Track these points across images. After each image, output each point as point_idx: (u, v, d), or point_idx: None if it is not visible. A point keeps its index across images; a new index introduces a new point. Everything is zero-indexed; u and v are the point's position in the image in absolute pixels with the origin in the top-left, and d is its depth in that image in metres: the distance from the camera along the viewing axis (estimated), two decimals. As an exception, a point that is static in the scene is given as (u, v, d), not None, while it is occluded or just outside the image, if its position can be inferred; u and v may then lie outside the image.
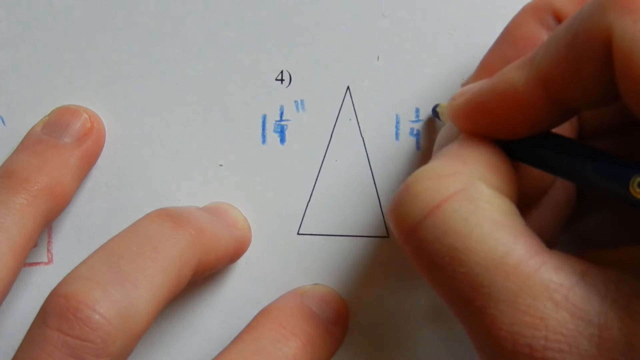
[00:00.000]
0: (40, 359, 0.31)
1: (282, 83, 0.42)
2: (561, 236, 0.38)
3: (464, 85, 0.37)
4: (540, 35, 0.35)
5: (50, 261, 0.42)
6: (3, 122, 0.42)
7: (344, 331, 0.40)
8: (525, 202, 0.34)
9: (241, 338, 0.38)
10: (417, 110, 0.42)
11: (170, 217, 0.36)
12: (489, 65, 0.36)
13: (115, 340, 0.32)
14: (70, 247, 0.42)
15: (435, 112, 0.40)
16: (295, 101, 0.42)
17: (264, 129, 0.42)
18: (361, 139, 0.42)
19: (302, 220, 0.42)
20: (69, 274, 0.33)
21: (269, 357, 0.36)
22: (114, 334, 0.32)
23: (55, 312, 0.32)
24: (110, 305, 0.32)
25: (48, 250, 0.42)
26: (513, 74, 0.31)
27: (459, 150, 0.33)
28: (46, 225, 0.39)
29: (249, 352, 0.37)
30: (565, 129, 0.35)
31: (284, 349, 0.37)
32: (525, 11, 0.36)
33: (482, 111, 0.32)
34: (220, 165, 0.42)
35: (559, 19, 0.35)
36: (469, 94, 0.33)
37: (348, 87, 0.42)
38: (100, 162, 0.42)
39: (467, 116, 0.33)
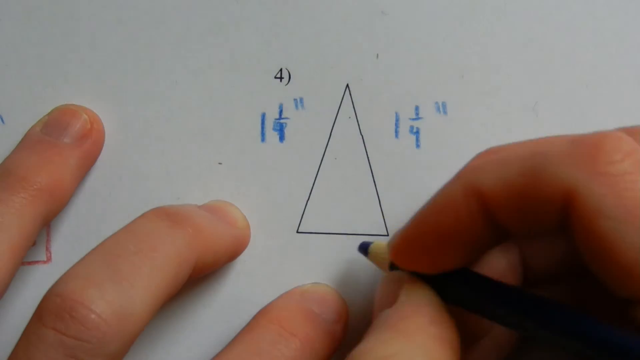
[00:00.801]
0: (36, 358, 0.31)
1: (281, 81, 0.42)
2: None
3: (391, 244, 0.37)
4: (466, 213, 0.33)
5: (49, 260, 0.42)
6: (2, 120, 0.42)
7: (344, 331, 0.40)
8: (467, 341, 0.35)
9: (240, 339, 0.38)
10: (417, 108, 0.42)
11: (167, 215, 0.36)
12: (410, 236, 0.35)
13: (111, 339, 0.32)
14: (69, 246, 0.42)
15: (364, 249, 0.39)
16: (295, 99, 0.42)
17: (263, 127, 0.42)
18: (360, 137, 0.42)
19: (302, 218, 0.42)
20: (65, 273, 0.33)
21: (268, 358, 0.36)
22: (110, 333, 0.32)
23: (51, 311, 0.32)
24: (107, 304, 0.32)
25: (47, 249, 0.42)
26: (452, 184, 0.31)
27: (399, 320, 0.32)
28: (45, 224, 0.39)
29: (248, 353, 0.37)
30: (510, 275, 0.36)
31: (283, 349, 0.37)
32: (454, 186, 0.33)
33: (421, 238, 0.32)
34: (220, 163, 0.42)
35: (482, 199, 0.33)
36: (407, 227, 0.33)
37: (347, 85, 0.42)
38: (99, 160, 0.42)
39: (407, 250, 0.33)
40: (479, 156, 0.34)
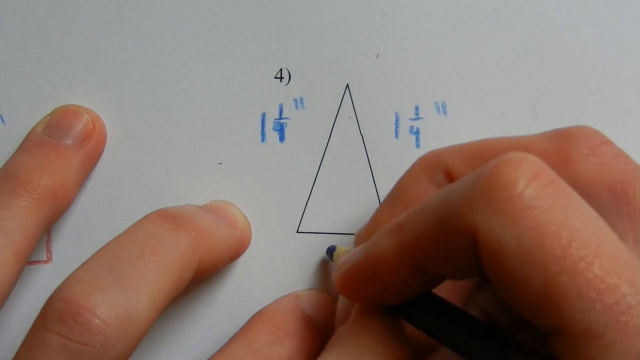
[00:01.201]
0: None
1: (281, 81, 0.42)
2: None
3: (358, 234, 0.38)
4: (431, 193, 0.35)
5: (49, 260, 0.42)
6: (2, 120, 0.42)
7: None
8: (424, 351, 0.35)
9: (236, 339, 0.38)
10: (417, 108, 0.42)
11: (170, 218, 0.36)
12: (379, 223, 0.37)
13: (114, 344, 0.32)
14: (69, 246, 0.42)
15: (330, 252, 0.40)
16: (295, 99, 0.42)
17: (263, 127, 0.42)
18: (360, 137, 0.42)
19: (302, 218, 0.42)
20: (69, 277, 0.33)
21: (263, 358, 0.36)
22: (113, 338, 0.32)
23: (55, 315, 0.32)
24: (110, 309, 0.32)
25: (47, 249, 0.42)
26: (383, 241, 0.31)
27: (347, 338, 0.33)
28: (48, 227, 0.39)
29: (244, 353, 0.37)
30: (457, 293, 0.36)
31: (279, 350, 0.37)
32: (416, 167, 0.36)
33: (360, 280, 0.33)
34: (220, 163, 0.42)
35: (449, 177, 0.35)
36: (348, 265, 0.33)
37: (347, 85, 0.42)
38: (100, 160, 0.42)
39: (347, 286, 0.33)
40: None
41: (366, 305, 0.34)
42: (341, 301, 0.38)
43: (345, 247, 0.40)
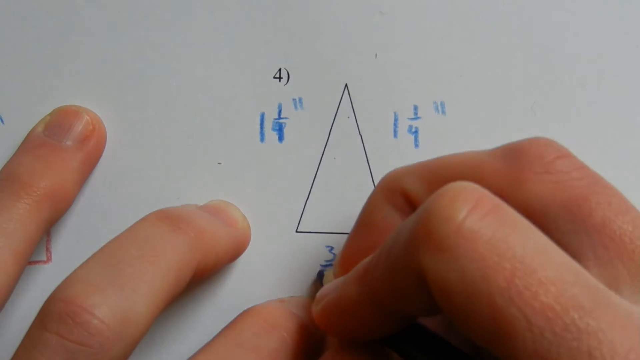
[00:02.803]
0: None
1: (280, 81, 0.42)
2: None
3: (335, 263, 0.38)
4: (394, 219, 0.35)
5: (49, 260, 0.42)
6: (2, 120, 0.42)
7: (324, 337, 0.40)
8: None
9: (223, 333, 0.38)
10: (416, 108, 0.42)
11: (169, 219, 0.36)
12: (348, 255, 0.37)
13: (113, 345, 0.32)
14: (69, 246, 0.42)
15: (320, 276, 0.41)
16: (294, 99, 0.42)
17: (262, 127, 0.42)
18: (359, 136, 0.42)
19: (301, 218, 0.42)
20: (67, 278, 0.33)
21: (250, 349, 0.36)
22: (112, 338, 0.32)
23: (54, 316, 0.32)
24: (109, 310, 0.32)
25: (47, 249, 0.42)
26: (351, 287, 0.32)
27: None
28: (48, 229, 0.39)
29: (231, 345, 0.37)
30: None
31: (266, 341, 0.37)
32: (376, 193, 0.36)
33: (334, 319, 0.33)
34: (219, 163, 0.42)
35: (408, 200, 0.35)
36: (324, 302, 0.34)
37: (346, 85, 0.42)
38: (99, 160, 0.42)
39: (324, 323, 0.34)
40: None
41: (345, 340, 0.34)
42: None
43: (331, 271, 0.40)
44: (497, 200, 0.28)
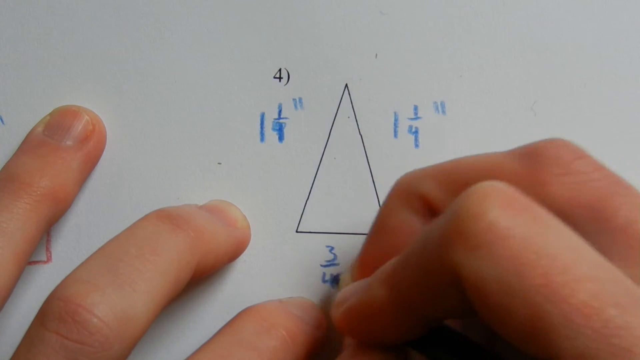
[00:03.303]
0: None
1: (280, 81, 0.42)
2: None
3: (352, 267, 0.38)
4: (412, 222, 0.35)
5: (49, 260, 0.42)
6: (2, 120, 0.42)
7: (324, 337, 0.40)
8: None
9: (222, 332, 0.38)
10: (416, 108, 0.42)
11: (169, 218, 0.36)
12: (366, 260, 0.37)
13: (112, 343, 0.32)
14: (69, 246, 0.42)
15: (335, 281, 0.41)
16: (294, 99, 0.42)
17: (262, 127, 0.42)
18: (359, 136, 0.42)
19: (301, 218, 0.42)
20: (67, 277, 0.34)
21: (249, 348, 0.36)
22: (111, 337, 0.32)
23: (53, 315, 0.32)
24: (109, 308, 0.32)
25: (47, 249, 0.42)
26: (377, 290, 0.31)
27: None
28: (48, 229, 0.39)
29: (230, 343, 0.37)
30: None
31: (265, 339, 0.37)
32: (392, 197, 0.36)
33: (358, 323, 0.33)
34: (219, 163, 0.42)
35: (426, 203, 0.35)
36: (346, 306, 0.33)
37: (346, 85, 0.42)
38: (99, 160, 0.42)
39: (346, 327, 0.34)
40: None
41: (367, 343, 0.34)
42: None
43: (348, 275, 0.39)
44: (527, 199, 0.28)
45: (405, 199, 0.35)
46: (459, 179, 0.33)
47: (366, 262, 0.37)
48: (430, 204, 0.35)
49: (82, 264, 0.34)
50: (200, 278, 0.38)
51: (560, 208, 0.31)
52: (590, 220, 0.31)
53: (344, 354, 0.34)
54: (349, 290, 0.34)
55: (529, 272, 0.26)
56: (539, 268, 0.26)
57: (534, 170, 0.32)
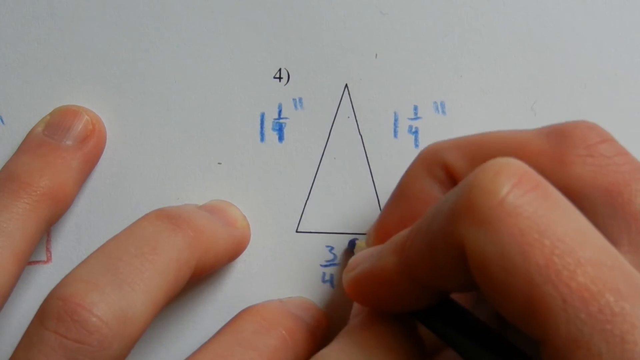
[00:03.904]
0: None
1: (280, 81, 0.42)
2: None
3: (368, 233, 0.38)
4: (433, 191, 0.35)
5: (49, 260, 0.42)
6: (2, 120, 0.42)
7: (324, 337, 0.40)
8: (433, 348, 0.35)
9: (222, 331, 0.38)
10: (416, 108, 0.42)
11: (168, 218, 0.36)
12: (384, 226, 0.37)
13: (112, 343, 0.32)
14: (69, 246, 0.42)
15: (352, 245, 0.41)
16: (294, 99, 0.42)
17: (262, 127, 0.42)
18: (359, 136, 0.42)
19: (301, 218, 0.42)
20: (66, 276, 0.34)
21: (249, 347, 0.36)
22: (110, 336, 0.32)
23: (52, 314, 0.32)
24: (108, 308, 0.32)
25: (47, 249, 0.42)
26: (387, 258, 0.31)
27: (361, 329, 0.33)
28: (47, 228, 0.39)
29: (230, 343, 0.37)
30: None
31: (265, 339, 0.37)
32: (416, 165, 0.36)
33: (367, 289, 0.33)
34: (219, 163, 0.42)
35: (449, 173, 0.35)
36: (357, 271, 0.33)
37: (346, 85, 0.42)
38: (99, 160, 0.42)
39: (355, 292, 0.33)
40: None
41: (375, 310, 0.34)
42: None
43: (363, 241, 0.40)
44: (540, 178, 0.28)
45: (429, 167, 0.35)
46: (484, 152, 0.33)
47: (383, 228, 0.37)
48: (453, 174, 0.35)
49: (82, 263, 0.34)
50: (200, 278, 0.38)
51: (579, 189, 0.31)
52: (606, 204, 0.31)
53: (354, 321, 0.34)
54: (362, 256, 0.34)
55: (532, 251, 0.26)
56: (542, 248, 0.26)
57: (559, 149, 0.32)
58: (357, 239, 0.41)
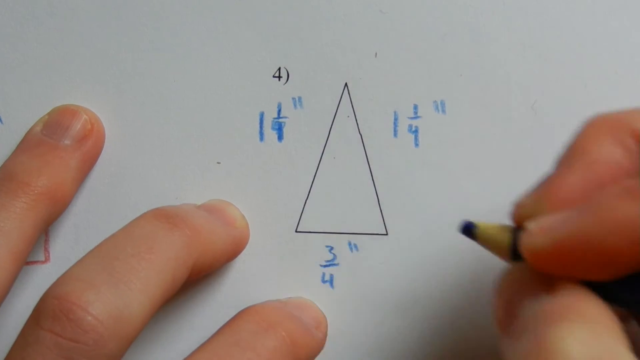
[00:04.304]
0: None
1: (279, 80, 0.42)
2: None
3: (521, 204, 0.32)
4: (623, 160, 0.31)
5: (47, 260, 0.42)
6: (0, 120, 0.42)
7: (324, 338, 0.40)
8: None
9: (220, 332, 0.38)
10: (416, 107, 0.41)
11: (166, 217, 0.36)
12: (562, 190, 0.31)
13: (107, 342, 0.32)
14: (67, 246, 0.42)
15: (468, 230, 0.33)
16: (293, 98, 0.42)
17: (261, 126, 0.42)
18: (359, 135, 0.42)
19: (300, 217, 0.42)
20: (62, 275, 0.33)
21: (248, 348, 0.36)
22: (106, 335, 0.32)
23: (48, 313, 0.32)
24: (103, 307, 0.32)
25: (45, 249, 0.42)
26: (622, 207, 0.27)
27: (579, 309, 0.28)
28: (45, 228, 0.39)
29: (228, 343, 0.37)
30: None
31: (264, 340, 0.37)
32: (596, 128, 0.32)
33: (584, 252, 0.28)
34: (218, 162, 0.42)
35: (637, 138, 0.31)
36: (562, 232, 0.28)
37: (346, 84, 0.42)
38: (98, 159, 0.42)
39: (560, 260, 0.28)
40: None
41: (571, 280, 0.29)
42: (511, 275, 0.31)
43: (491, 224, 0.33)
44: None
45: (613, 132, 0.31)
46: None
47: (560, 194, 0.31)
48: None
49: (78, 262, 0.34)
50: (197, 277, 0.38)
51: None
52: None
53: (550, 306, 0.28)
54: (556, 220, 0.29)
55: None
56: None
57: None
58: (472, 222, 0.34)
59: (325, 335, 0.41)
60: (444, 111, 0.41)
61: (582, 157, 0.31)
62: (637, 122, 0.31)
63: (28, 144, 0.40)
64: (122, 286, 0.33)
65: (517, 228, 0.32)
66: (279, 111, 0.42)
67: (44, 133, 0.40)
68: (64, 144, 0.40)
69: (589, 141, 0.32)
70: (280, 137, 0.42)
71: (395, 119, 0.42)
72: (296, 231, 0.42)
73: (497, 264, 0.41)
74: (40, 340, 0.32)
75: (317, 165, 0.42)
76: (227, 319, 0.40)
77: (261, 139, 0.42)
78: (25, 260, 0.37)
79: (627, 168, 0.30)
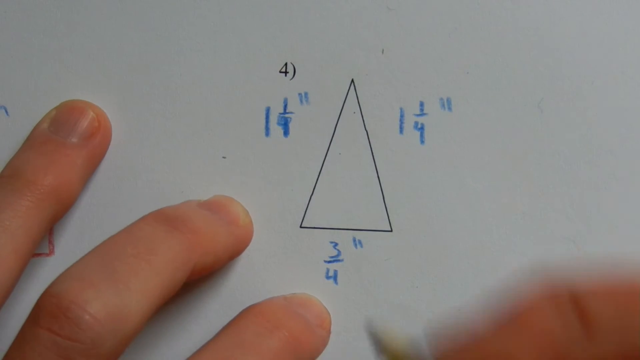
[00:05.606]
0: (29, 358, 0.31)
1: (286, 75, 0.42)
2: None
3: (441, 348, 0.30)
4: (560, 331, 0.28)
5: (51, 252, 0.42)
6: (6, 112, 0.42)
7: (328, 335, 0.40)
8: None
9: (224, 332, 0.38)
10: (422, 104, 0.41)
11: (166, 219, 0.36)
12: (486, 348, 0.29)
13: (105, 341, 0.32)
14: (72, 239, 0.42)
15: (372, 334, 0.30)
16: (299, 94, 0.42)
17: (267, 122, 0.42)
18: (365, 132, 0.42)
19: (305, 213, 0.42)
20: (62, 274, 0.34)
21: (251, 349, 0.36)
22: (104, 335, 0.32)
23: (46, 311, 0.32)
24: (102, 306, 0.32)
25: (50, 242, 0.42)
26: None
27: None
28: (51, 226, 0.39)
29: (231, 344, 0.36)
30: None
31: (268, 341, 0.37)
32: (540, 296, 0.29)
33: None
34: (224, 157, 0.42)
35: (583, 321, 0.28)
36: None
37: (352, 80, 0.42)
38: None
39: None
40: None
41: None
42: None
43: (392, 332, 0.30)
44: None
45: (557, 303, 0.29)
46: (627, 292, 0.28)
47: (483, 352, 0.29)
48: (588, 322, 0.28)
49: (78, 261, 0.34)
50: (199, 277, 0.38)
51: None
52: None
53: None
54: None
55: None
56: None
57: None
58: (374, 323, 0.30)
59: (329, 332, 0.41)
60: (450, 108, 0.41)
61: (516, 323, 0.29)
62: (584, 299, 0.28)
63: (35, 142, 0.40)
64: (121, 286, 0.33)
65: None
66: (285, 106, 0.42)
67: (51, 130, 0.40)
68: (71, 142, 0.40)
69: (529, 309, 0.29)
70: (286, 133, 0.42)
71: (402, 116, 0.41)
72: (301, 227, 0.42)
73: (500, 263, 0.41)
74: (38, 338, 0.32)
75: (322, 161, 0.42)
76: (232, 313, 0.40)
77: (267, 134, 0.42)
78: (30, 258, 0.38)
79: (560, 341, 0.28)
